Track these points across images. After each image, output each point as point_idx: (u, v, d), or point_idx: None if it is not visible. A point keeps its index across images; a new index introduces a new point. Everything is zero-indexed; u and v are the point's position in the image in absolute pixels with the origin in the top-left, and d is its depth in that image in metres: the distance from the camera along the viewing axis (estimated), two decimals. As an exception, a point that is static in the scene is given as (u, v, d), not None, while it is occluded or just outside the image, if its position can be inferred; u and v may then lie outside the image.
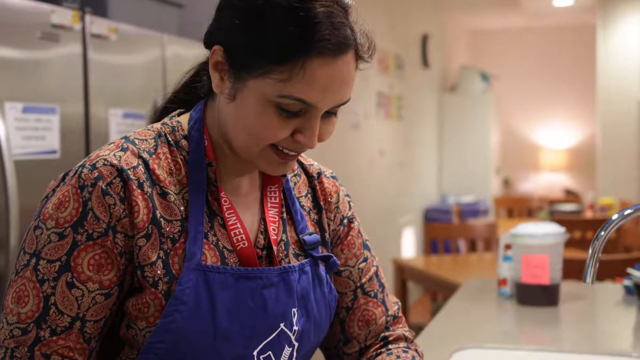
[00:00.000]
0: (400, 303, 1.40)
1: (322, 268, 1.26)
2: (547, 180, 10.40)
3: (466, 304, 2.53)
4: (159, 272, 1.09)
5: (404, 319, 1.39)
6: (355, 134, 5.82)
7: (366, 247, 1.36)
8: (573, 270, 3.33)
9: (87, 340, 1.09)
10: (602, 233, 1.45)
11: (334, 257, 1.28)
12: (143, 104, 2.78)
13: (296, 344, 1.20)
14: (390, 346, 1.33)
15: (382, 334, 1.34)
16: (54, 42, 2.37)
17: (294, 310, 1.19)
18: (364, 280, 1.33)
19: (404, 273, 4.52)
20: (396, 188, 7.06)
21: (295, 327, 1.19)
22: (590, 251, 1.46)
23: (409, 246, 7.46)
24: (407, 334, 1.36)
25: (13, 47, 2.24)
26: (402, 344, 1.33)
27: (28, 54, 2.29)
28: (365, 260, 1.35)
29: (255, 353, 1.15)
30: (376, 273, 1.36)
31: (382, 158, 6.60)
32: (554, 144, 10.30)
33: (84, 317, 1.08)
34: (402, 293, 4.55)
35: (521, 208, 7.93)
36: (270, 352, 1.16)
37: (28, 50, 2.29)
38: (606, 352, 1.89)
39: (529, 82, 10.22)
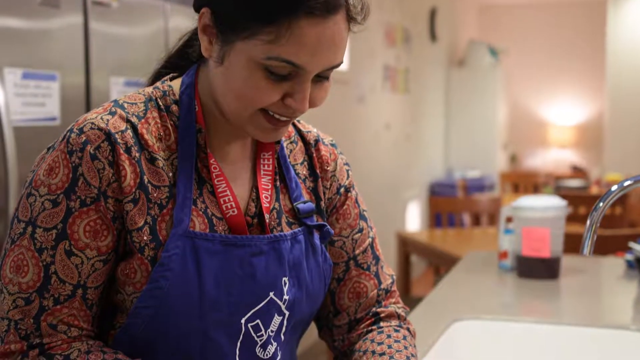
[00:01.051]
0: (395, 277, 1.37)
1: (316, 237, 1.24)
2: (554, 157, 10.36)
3: (466, 276, 2.52)
4: (145, 237, 1.08)
5: (397, 293, 1.37)
6: (361, 108, 5.79)
7: (363, 217, 1.34)
8: (577, 245, 3.32)
9: (90, 307, 1.09)
10: (601, 204, 1.44)
11: (328, 226, 1.26)
12: (145, 73, 2.76)
13: (287, 313, 1.19)
14: (381, 323, 1.30)
15: (374, 310, 1.32)
16: (54, 9, 2.35)
17: (285, 279, 1.17)
18: (357, 251, 1.31)
19: (407, 247, 4.52)
20: (402, 162, 7.05)
21: (286, 297, 1.18)
22: (588, 222, 1.45)
23: (414, 220, 7.46)
24: (399, 311, 1.33)
25: (13, 14, 2.23)
26: (394, 322, 1.31)
27: (28, 21, 2.28)
28: (361, 231, 1.33)
29: (243, 321, 1.14)
30: (371, 245, 1.34)
31: (388, 132, 6.58)
32: (561, 120, 10.24)
33: (85, 285, 1.07)
34: (405, 267, 4.55)
35: (527, 183, 7.91)
36: (258, 321, 1.16)
37: (28, 18, 2.27)
38: (606, 325, 1.89)
39: (537, 58, 10.15)
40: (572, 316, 2.01)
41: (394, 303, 1.35)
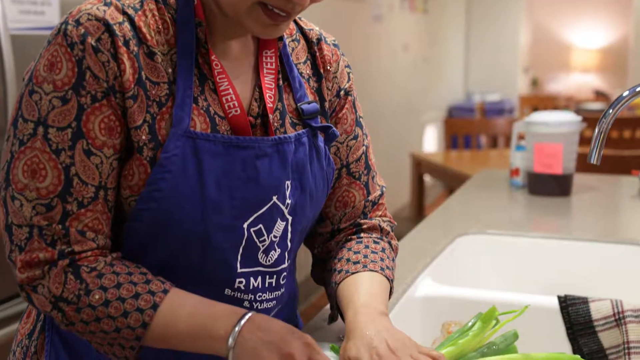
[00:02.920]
0: (385, 188, 1.32)
1: (320, 139, 1.19)
2: (576, 81, 10.18)
3: (476, 193, 2.47)
4: (144, 137, 1.02)
5: (385, 206, 1.32)
6: (377, 27, 5.66)
7: (359, 124, 1.28)
8: (591, 166, 3.25)
9: (110, 209, 1.04)
10: (610, 110, 1.37)
11: (334, 128, 1.21)
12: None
13: (290, 218, 1.15)
14: (362, 234, 1.27)
15: (357, 220, 1.28)
16: None
17: (288, 182, 1.12)
18: (351, 159, 1.27)
19: (421, 168, 4.47)
20: (420, 84, 6.94)
21: (289, 201, 1.13)
22: (596, 130, 1.38)
23: (431, 143, 7.39)
24: (384, 224, 1.29)
25: None
26: (375, 234, 1.27)
27: None
28: (356, 138, 1.27)
29: (245, 225, 1.09)
30: (365, 153, 1.28)
31: (406, 53, 6.45)
32: (585, 43, 10.01)
33: (106, 185, 1.02)
34: (419, 188, 4.52)
35: (547, 107, 7.78)
36: (261, 225, 1.11)
37: None
38: (615, 240, 1.84)
39: (562, -22, 9.87)
40: (582, 231, 1.95)
41: (380, 216, 1.30)
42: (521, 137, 2.50)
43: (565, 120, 2.32)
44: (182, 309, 1.01)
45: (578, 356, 1.11)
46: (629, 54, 8.15)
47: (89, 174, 1.00)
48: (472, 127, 5.08)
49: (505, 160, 4.26)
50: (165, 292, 1.01)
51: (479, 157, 4.53)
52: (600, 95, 9.19)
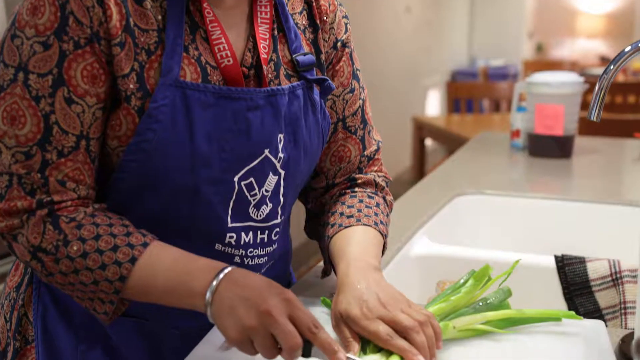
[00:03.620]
0: (382, 143, 1.30)
1: (316, 92, 1.16)
2: (582, 47, 10.08)
3: (475, 155, 2.45)
4: (131, 86, 0.99)
5: (381, 162, 1.30)
6: (380, -12, 5.60)
7: (355, 76, 1.25)
8: (594, 129, 3.23)
9: (92, 160, 1.01)
10: (612, 67, 1.33)
11: (330, 81, 1.17)
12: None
13: (282, 172, 1.12)
14: (356, 189, 1.25)
15: (352, 175, 1.26)
16: None
17: (281, 136, 1.10)
18: (347, 113, 1.24)
19: (422, 131, 4.43)
20: (423, 48, 6.87)
21: (281, 154, 1.10)
22: (597, 86, 1.35)
23: (434, 108, 7.35)
24: (379, 179, 1.27)
25: None
26: (369, 189, 1.25)
27: None
28: (352, 91, 1.24)
29: (236, 179, 1.07)
30: (361, 107, 1.26)
31: (409, 15, 6.38)
32: (591, 8, 9.90)
33: (88, 135, 0.99)
34: (420, 152, 4.49)
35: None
36: (252, 179, 1.09)
37: None
38: (614, 201, 1.82)
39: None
40: (582, 193, 1.93)
41: (376, 171, 1.28)
42: (522, 99, 2.46)
43: (567, 80, 2.28)
44: (161, 263, 0.98)
45: (572, 312, 1.09)
46: (635, 19, 8.07)
47: (70, 122, 0.98)
48: (475, 91, 5.03)
49: (507, 125, 4.22)
50: (145, 245, 0.98)
51: (481, 121, 4.49)
52: (605, 61, 9.11)
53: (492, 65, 7.91)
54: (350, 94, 1.24)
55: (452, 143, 4.12)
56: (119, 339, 1.14)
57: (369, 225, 1.17)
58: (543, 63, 8.18)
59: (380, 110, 5.71)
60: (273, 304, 0.90)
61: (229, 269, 0.96)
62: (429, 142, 4.76)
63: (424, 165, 4.54)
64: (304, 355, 0.91)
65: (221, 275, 0.95)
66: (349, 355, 0.93)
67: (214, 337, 1.04)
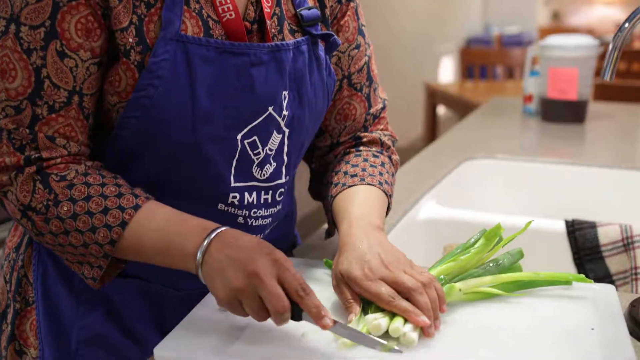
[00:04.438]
0: (387, 101, 1.27)
1: (321, 48, 1.13)
2: (599, 14, 9.94)
3: (486, 120, 2.41)
4: (130, 40, 0.96)
5: (386, 120, 1.27)
6: (394, -47, 5.52)
7: (361, 32, 1.22)
8: (608, 94, 3.18)
9: (86, 117, 0.99)
10: (626, 25, 1.29)
11: (335, 36, 1.14)
12: None
13: (287, 131, 1.09)
14: (361, 147, 1.22)
15: (357, 134, 1.23)
16: None
17: (285, 93, 1.07)
18: (352, 70, 1.21)
19: (435, 98, 4.39)
20: (437, 14, 6.79)
21: (285, 112, 1.07)
22: (610, 45, 1.31)
23: (447, 75, 7.28)
24: (384, 138, 1.24)
25: None
26: (374, 148, 1.22)
27: None
28: (358, 47, 1.21)
29: (239, 137, 1.04)
30: (367, 63, 1.22)
31: (423, -19, 6.30)
32: (609, -26, 9.76)
33: (81, 91, 0.96)
34: (432, 119, 4.44)
35: (567, 40, 7.59)
36: (255, 137, 1.06)
37: None
38: (627, 166, 1.78)
39: None
40: (595, 158, 1.90)
41: (382, 130, 1.25)
42: (535, 63, 2.42)
43: (581, 44, 2.23)
44: (153, 224, 0.96)
45: (582, 275, 1.06)
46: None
47: (62, 77, 0.95)
48: (489, 58, 4.97)
49: (521, 91, 4.17)
50: (137, 207, 0.96)
51: (494, 88, 4.43)
52: (622, 28, 8.98)
53: (506, 33, 7.80)
54: (356, 50, 1.20)
55: (464, 110, 4.08)
56: (120, 300, 1.13)
57: (373, 185, 1.14)
58: (559, 31, 8.07)
59: (392, 76, 5.66)
60: (261, 265, 0.88)
61: (221, 229, 0.93)
62: (441, 110, 4.71)
63: (436, 133, 4.49)
64: (294, 319, 0.89)
65: (212, 236, 0.92)
66: (336, 320, 0.90)
67: (213, 298, 1.03)
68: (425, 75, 6.40)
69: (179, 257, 0.94)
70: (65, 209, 0.95)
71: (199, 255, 0.91)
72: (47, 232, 0.97)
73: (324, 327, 0.87)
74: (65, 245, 0.98)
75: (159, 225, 0.96)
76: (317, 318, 0.87)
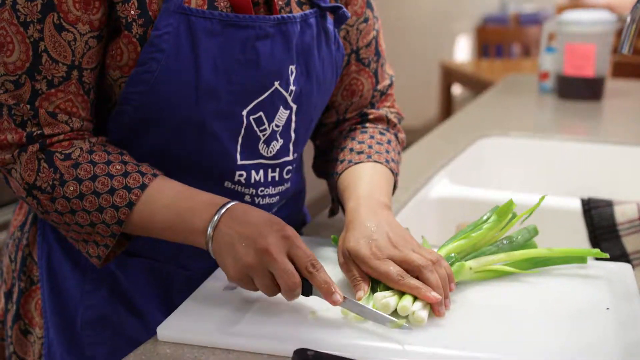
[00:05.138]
0: (394, 78, 1.24)
1: (329, 21, 1.10)
2: (618, -8, 9.80)
3: (501, 97, 2.37)
4: (132, 12, 0.93)
5: (394, 97, 1.24)
6: None
7: (369, 5, 1.18)
8: (625, 72, 3.12)
9: (87, 92, 0.96)
10: (646, -4, 1.26)
11: (344, 8, 1.11)
12: None
13: (294, 106, 1.07)
14: (367, 124, 1.19)
15: (364, 110, 1.21)
16: None
17: (292, 67, 1.04)
18: (361, 44, 1.18)
19: (450, 77, 4.34)
20: (452, -7, 6.71)
21: (293, 87, 1.05)
22: (629, 18, 1.27)
23: (463, 54, 7.21)
24: (391, 116, 1.21)
25: None
26: (380, 125, 1.20)
27: None
28: (366, 20, 1.18)
29: (244, 113, 1.02)
30: (375, 38, 1.19)
31: (438, -41, 6.23)
32: (628, -49, 9.61)
33: (80, 65, 0.94)
34: (447, 99, 4.39)
35: (585, 18, 7.49)
36: (261, 113, 1.03)
37: None
38: (645, 144, 1.75)
39: None
40: (611, 135, 1.86)
41: (389, 107, 1.23)
42: (552, 39, 2.37)
43: (599, 19, 2.19)
44: (161, 200, 0.95)
45: (597, 250, 1.03)
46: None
47: (60, 51, 0.93)
48: (505, 36, 4.91)
49: (537, 69, 4.11)
50: (143, 187, 0.94)
51: (510, 66, 4.37)
52: (641, 6, 8.85)
53: (524, 12, 7.71)
54: (364, 24, 1.17)
55: (480, 89, 4.03)
56: (126, 280, 1.11)
57: (380, 162, 1.12)
58: (577, 7, 7.96)
59: (408, 56, 5.61)
60: (271, 241, 0.87)
61: (231, 204, 0.92)
62: (457, 91, 4.66)
63: (451, 113, 4.45)
64: (304, 294, 0.89)
65: (222, 211, 0.91)
66: (346, 296, 0.88)
67: (221, 274, 1.01)
68: (441, 55, 6.34)
69: (188, 233, 0.93)
70: (71, 189, 0.94)
71: (209, 230, 0.91)
72: (52, 211, 0.95)
73: (334, 303, 0.87)
74: (72, 224, 0.96)
75: (168, 202, 0.94)
76: (328, 294, 0.87)
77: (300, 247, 0.88)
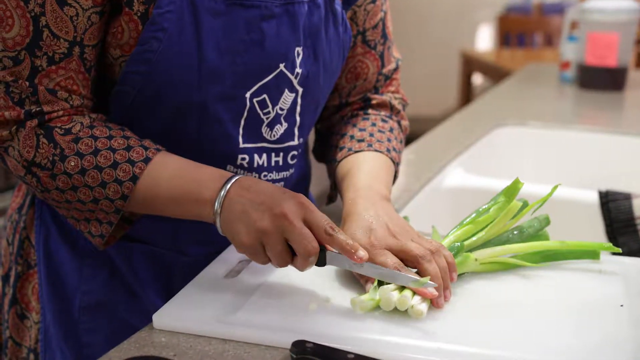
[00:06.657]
0: (400, 62, 1.20)
1: (337, 2, 1.06)
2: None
3: (521, 86, 2.33)
4: None
5: (398, 82, 1.21)
6: None
7: None
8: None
9: (88, 70, 0.94)
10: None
11: None
12: None
13: (300, 90, 1.03)
14: (369, 110, 1.16)
15: (367, 95, 1.17)
16: None
17: (298, 49, 1.01)
18: (367, 25, 1.14)
19: (470, 66, 4.28)
20: (475, -19, 6.64)
21: (299, 70, 1.02)
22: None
23: (484, 43, 7.13)
24: (395, 102, 1.18)
25: None
26: (383, 112, 1.17)
27: None
28: (374, 1, 1.14)
29: (248, 95, 0.99)
30: (382, 20, 1.16)
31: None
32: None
33: (82, 42, 0.91)
34: (467, 88, 4.34)
35: (610, 8, 7.39)
36: (265, 96, 1.00)
37: None
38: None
39: None
40: (632, 126, 1.81)
41: (393, 92, 1.19)
42: (574, 27, 2.32)
43: (623, 7, 2.13)
44: (165, 173, 0.92)
45: (610, 244, 0.99)
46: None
47: (62, 26, 0.89)
48: (527, 25, 4.84)
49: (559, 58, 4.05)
50: (147, 160, 0.91)
51: (532, 55, 4.30)
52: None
53: (547, 1, 7.61)
54: (372, 4, 1.13)
55: (500, 78, 3.97)
56: (125, 265, 1.09)
57: (381, 152, 1.08)
58: None
59: (428, 44, 5.55)
60: (288, 207, 0.84)
61: (238, 176, 0.90)
62: (477, 80, 4.60)
63: (471, 101, 4.40)
64: (318, 264, 0.86)
65: (230, 183, 0.88)
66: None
67: (222, 261, 0.99)
68: (462, 43, 6.27)
69: (195, 204, 0.90)
70: (72, 164, 0.91)
71: (217, 202, 0.87)
72: (53, 189, 0.93)
73: (360, 259, 0.84)
74: (73, 202, 0.93)
75: (173, 174, 0.92)
76: (351, 253, 0.84)
77: (316, 212, 0.85)
